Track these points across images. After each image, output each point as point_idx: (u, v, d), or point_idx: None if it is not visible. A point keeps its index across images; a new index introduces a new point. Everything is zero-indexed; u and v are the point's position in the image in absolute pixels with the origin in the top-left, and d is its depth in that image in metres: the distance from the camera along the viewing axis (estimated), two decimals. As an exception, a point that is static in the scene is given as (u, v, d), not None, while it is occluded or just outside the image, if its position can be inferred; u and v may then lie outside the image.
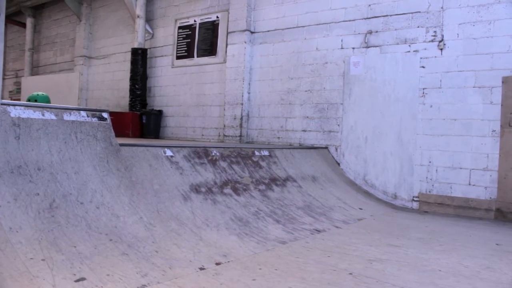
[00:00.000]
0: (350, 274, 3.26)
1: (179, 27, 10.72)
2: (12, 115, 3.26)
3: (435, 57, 6.83)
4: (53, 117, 3.59)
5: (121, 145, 4.12)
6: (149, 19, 11.29)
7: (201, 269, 3.13)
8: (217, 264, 3.28)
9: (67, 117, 3.71)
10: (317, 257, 3.69)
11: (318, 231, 4.73)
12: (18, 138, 3.25)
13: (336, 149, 7.84)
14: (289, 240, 4.24)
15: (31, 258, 2.60)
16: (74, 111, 3.83)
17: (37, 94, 6.07)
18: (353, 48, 7.73)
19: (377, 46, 7.45)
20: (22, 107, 3.42)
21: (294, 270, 3.29)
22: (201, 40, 10.21)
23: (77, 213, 3.16)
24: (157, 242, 3.36)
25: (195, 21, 10.37)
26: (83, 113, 3.89)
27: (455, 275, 3.33)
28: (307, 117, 8.24)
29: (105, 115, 4.10)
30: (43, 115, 3.53)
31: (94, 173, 3.61)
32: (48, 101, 5.99)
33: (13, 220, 2.77)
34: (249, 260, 3.47)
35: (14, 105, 3.36)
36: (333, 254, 3.81)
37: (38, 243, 2.74)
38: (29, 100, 5.97)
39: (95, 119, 3.94)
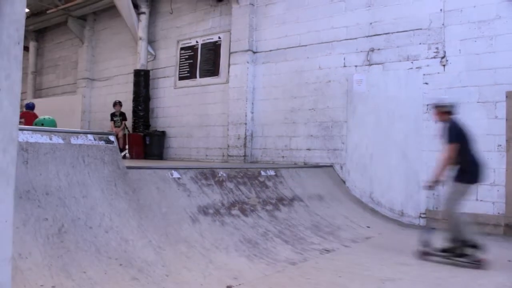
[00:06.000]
0: (364, 295, 3.21)
1: (181, 48, 10.80)
2: (19, 139, 3.25)
3: (438, 73, 6.85)
4: (61, 141, 3.58)
5: (128, 168, 4.10)
6: (151, 41, 11.38)
7: (213, 292, 3.09)
8: (228, 287, 3.24)
9: (74, 140, 3.71)
10: (328, 278, 3.64)
11: (328, 250, 4.68)
12: (26, 163, 3.24)
13: (341, 167, 7.81)
14: (299, 260, 4.19)
15: (41, 285, 2.56)
16: (81, 134, 3.83)
17: (44, 118, 6.06)
18: (356, 66, 7.77)
19: (380, 64, 7.48)
20: (30, 132, 3.42)
21: (307, 292, 3.24)
22: (204, 61, 10.27)
23: (86, 238, 3.13)
24: (167, 266, 3.32)
25: (197, 42, 10.44)
26: (90, 136, 3.88)
27: (470, 294, 3.28)
28: (311, 135, 8.23)
29: (111, 138, 4.09)
30: (50, 139, 3.52)
31: (102, 196, 3.59)
32: (55, 125, 5.96)
33: (23, 246, 2.74)
34: (260, 283, 3.42)
35: (21, 129, 3.35)
36: (344, 274, 3.76)
37: (48, 269, 2.71)
38: (35, 124, 5.96)
39: (102, 142, 3.93)
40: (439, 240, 4.52)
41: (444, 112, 4.72)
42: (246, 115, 8.99)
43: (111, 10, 12.29)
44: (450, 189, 4.60)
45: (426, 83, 6.95)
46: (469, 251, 4.29)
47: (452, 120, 4.67)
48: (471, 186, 4.61)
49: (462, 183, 4.49)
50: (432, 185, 4.63)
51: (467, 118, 6.44)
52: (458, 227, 4.40)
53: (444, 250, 4.48)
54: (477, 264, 4.19)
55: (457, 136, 4.52)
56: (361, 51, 7.72)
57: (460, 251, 4.36)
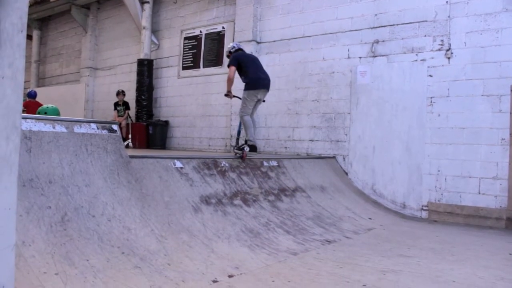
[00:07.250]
0: (364, 286, 3.22)
1: (185, 38, 10.77)
2: (23, 128, 3.26)
3: (443, 65, 6.82)
4: (64, 129, 3.59)
5: (131, 157, 4.11)
6: (155, 30, 11.35)
7: (214, 281, 3.10)
8: (230, 276, 3.26)
9: (77, 129, 3.72)
10: (329, 269, 3.65)
11: (329, 241, 4.69)
12: (29, 151, 3.25)
13: (344, 158, 7.81)
14: (301, 251, 4.21)
15: (45, 272, 2.58)
16: (84, 123, 3.83)
17: (47, 107, 6.07)
18: (360, 57, 7.73)
19: (384, 56, 7.45)
20: (33, 120, 3.43)
21: (307, 282, 3.25)
22: (207, 51, 10.25)
23: (89, 226, 3.15)
24: (169, 255, 3.34)
25: (201, 31, 10.41)
26: (93, 125, 3.89)
27: (470, 287, 3.29)
28: (315, 126, 8.22)
29: (114, 127, 4.10)
30: (54, 127, 3.53)
31: (105, 185, 3.60)
32: (58, 114, 5.98)
33: (26, 234, 2.76)
34: (262, 272, 3.44)
35: (25, 117, 3.36)
36: (345, 265, 3.78)
37: (51, 257, 2.73)
38: (39, 113, 5.98)
39: (105, 131, 3.94)
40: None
41: (232, 52, 6.71)
42: (249, 106, 8.97)
43: (115, -1, 12.28)
44: (242, 98, 6.47)
45: (431, 76, 6.92)
46: (244, 147, 6.04)
47: (237, 53, 6.64)
48: (251, 92, 6.37)
49: (245, 90, 6.40)
50: (227, 95, 6.62)
51: (471, 111, 6.50)
52: (245, 128, 6.37)
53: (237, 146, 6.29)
54: (240, 157, 5.88)
55: (234, 61, 6.40)
56: (366, 43, 7.68)
57: (241, 145, 6.18)
